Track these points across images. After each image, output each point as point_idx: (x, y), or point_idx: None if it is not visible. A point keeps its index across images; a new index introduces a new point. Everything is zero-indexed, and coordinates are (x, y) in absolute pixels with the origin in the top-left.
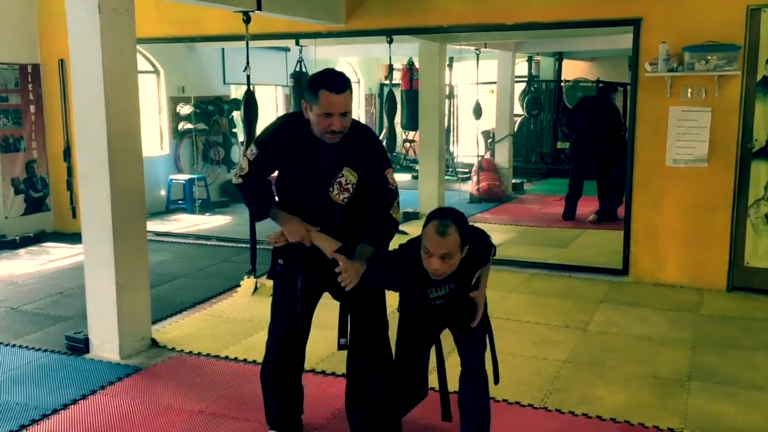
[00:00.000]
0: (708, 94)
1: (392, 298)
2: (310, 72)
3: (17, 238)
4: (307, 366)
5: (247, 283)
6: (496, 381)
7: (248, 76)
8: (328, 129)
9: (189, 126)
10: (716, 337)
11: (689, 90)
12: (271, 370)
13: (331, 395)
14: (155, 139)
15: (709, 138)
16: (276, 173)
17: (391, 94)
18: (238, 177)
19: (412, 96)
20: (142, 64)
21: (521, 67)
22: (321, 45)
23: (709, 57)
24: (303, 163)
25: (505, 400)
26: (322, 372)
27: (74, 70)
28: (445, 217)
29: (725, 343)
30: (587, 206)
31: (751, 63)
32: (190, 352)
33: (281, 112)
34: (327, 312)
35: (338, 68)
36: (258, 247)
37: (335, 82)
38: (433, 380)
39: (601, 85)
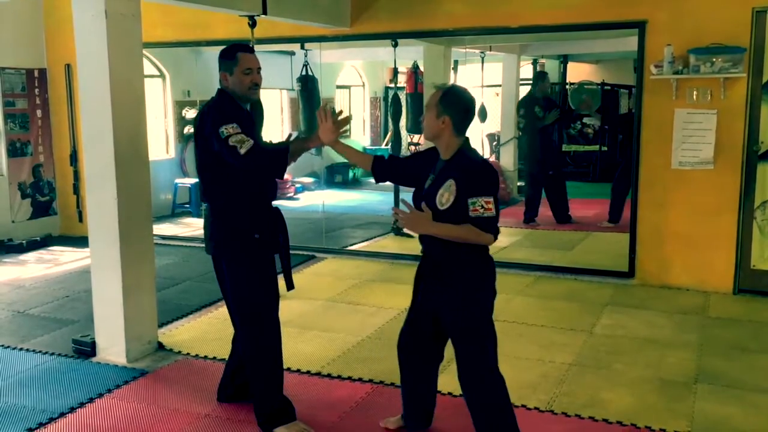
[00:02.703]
0: (713, 96)
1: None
2: (317, 75)
3: (24, 242)
4: (313, 369)
5: None
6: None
7: None
8: (251, 83)
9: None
10: (723, 339)
11: (695, 92)
12: (276, 350)
13: (339, 398)
14: (161, 142)
15: (715, 140)
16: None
17: (395, 97)
18: (247, 145)
19: (416, 99)
20: (147, 68)
21: (526, 70)
22: (326, 49)
23: (714, 59)
24: (252, 127)
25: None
26: (329, 375)
27: (81, 75)
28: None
29: (732, 345)
30: (594, 208)
31: (757, 65)
32: (197, 355)
33: (287, 115)
34: (332, 315)
35: (343, 72)
36: None
37: (246, 46)
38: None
39: (606, 87)
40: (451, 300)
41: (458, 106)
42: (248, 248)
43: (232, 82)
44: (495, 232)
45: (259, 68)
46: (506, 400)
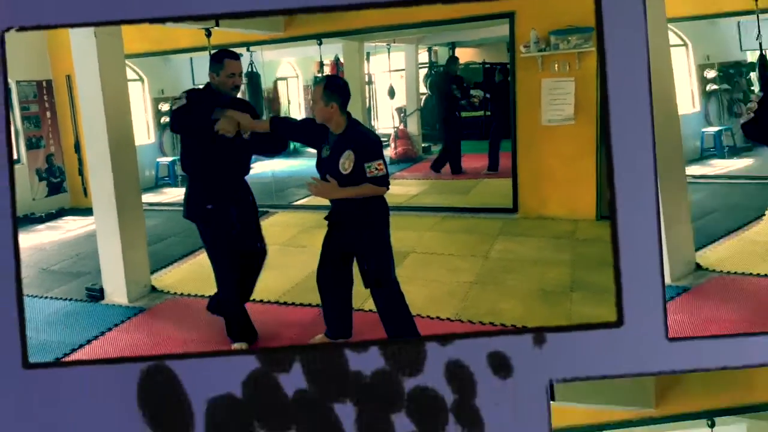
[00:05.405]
0: (571, 67)
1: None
2: (260, 71)
3: (43, 214)
4: (272, 298)
5: None
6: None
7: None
8: (232, 85)
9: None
10: (590, 256)
11: (556, 65)
12: (233, 284)
13: (294, 320)
14: (144, 130)
15: (574, 101)
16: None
17: None
18: (177, 102)
19: None
20: (129, 74)
21: (423, 56)
22: (266, 50)
23: (570, 38)
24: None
25: (428, 316)
26: (285, 303)
27: (79, 83)
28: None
29: (598, 260)
30: (482, 161)
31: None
32: (182, 293)
33: None
34: (285, 256)
35: (281, 67)
36: None
37: (232, 54)
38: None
39: (487, 66)
40: (363, 234)
41: (339, 91)
42: (203, 216)
43: (218, 81)
44: (387, 185)
45: (241, 72)
46: (404, 305)
